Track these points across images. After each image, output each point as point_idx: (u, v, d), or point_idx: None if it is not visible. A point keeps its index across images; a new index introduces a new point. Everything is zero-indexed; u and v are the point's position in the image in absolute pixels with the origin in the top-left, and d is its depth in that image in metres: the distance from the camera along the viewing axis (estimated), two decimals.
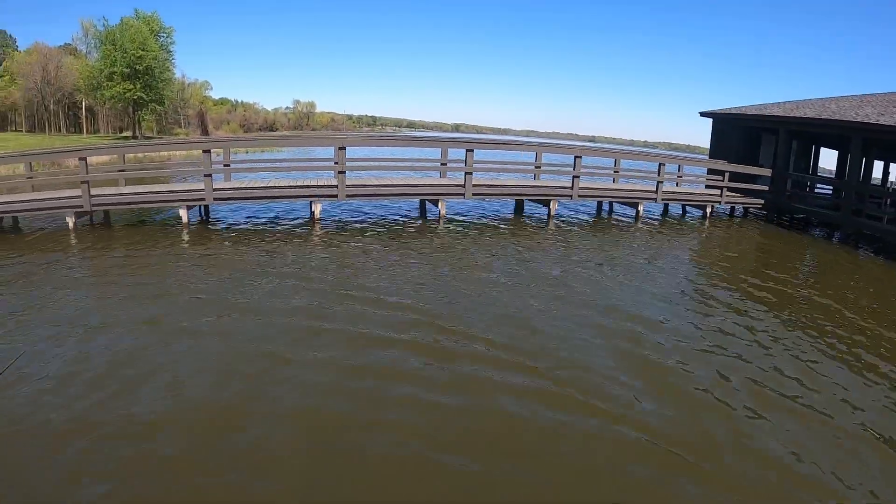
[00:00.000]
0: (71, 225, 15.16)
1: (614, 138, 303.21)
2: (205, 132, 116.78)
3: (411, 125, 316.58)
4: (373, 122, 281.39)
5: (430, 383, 6.11)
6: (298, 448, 4.93)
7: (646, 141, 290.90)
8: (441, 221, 15.04)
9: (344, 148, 14.65)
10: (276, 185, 16.08)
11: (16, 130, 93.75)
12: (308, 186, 15.64)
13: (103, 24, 76.84)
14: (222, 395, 5.85)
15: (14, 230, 15.62)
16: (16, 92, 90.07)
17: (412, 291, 9.13)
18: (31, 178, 19.15)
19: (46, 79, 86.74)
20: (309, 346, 7.00)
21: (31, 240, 14.23)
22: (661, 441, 5.16)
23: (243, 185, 16.58)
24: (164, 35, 79.77)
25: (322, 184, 15.86)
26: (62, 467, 4.62)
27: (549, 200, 16.20)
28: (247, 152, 38.24)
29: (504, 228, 14.80)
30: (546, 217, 16.19)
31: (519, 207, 17.16)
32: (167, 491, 4.39)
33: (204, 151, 15.35)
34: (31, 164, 18.97)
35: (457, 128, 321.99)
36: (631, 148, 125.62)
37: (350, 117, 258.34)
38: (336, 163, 14.77)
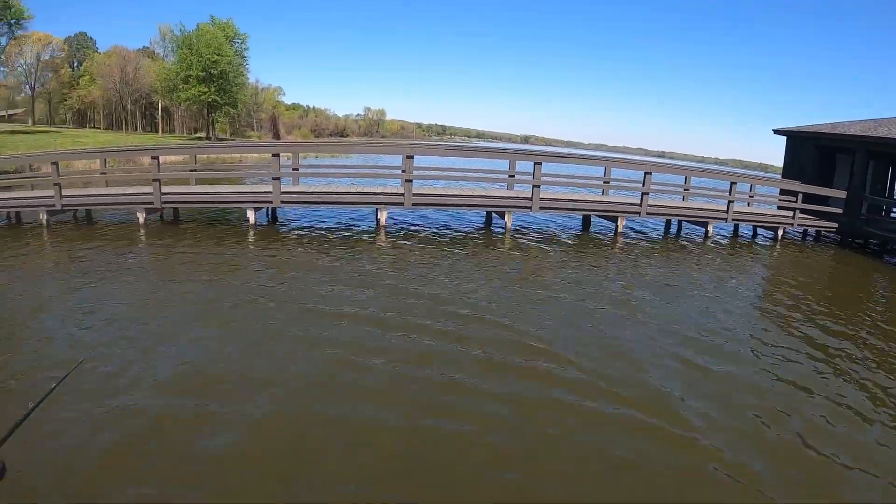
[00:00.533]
0: (141, 220, 15.98)
1: (685, 154, 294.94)
2: (276, 136, 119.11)
3: (480, 135, 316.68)
4: (442, 131, 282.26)
5: (495, 398, 5.96)
6: (389, 460, 4.90)
7: (717, 158, 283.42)
8: (507, 234, 14.82)
9: (412, 156, 14.68)
10: (344, 190, 16.18)
11: (94, 128, 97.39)
12: (375, 193, 15.68)
13: (180, 30, 79.63)
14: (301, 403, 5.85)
15: (87, 222, 16.91)
16: (95, 91, 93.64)
17: (479, 304, 8.95)
18: (105, 173, 19.86)
19: (124, 80, 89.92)
20: (374, 353, 6.95)
21: (104, 232, 15.22)
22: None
23: (311, 190, 16.73)
24: (239, 41, 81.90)
25: (389, 191, 15.86)
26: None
27: (617, 217, 15.79)
28: (316, 157, 38.68)
29: (570, 244, 14.40)
30: (613, 234, 15.74)
31: (586, 223, 16.71)
32: None
33: (273, 155, 15.63)
34: (105, 160, 19.66)
35: (526, 139, 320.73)
36: (701, 165, 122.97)
37: (419, 126, 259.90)
38: (403, 171, 14.82)
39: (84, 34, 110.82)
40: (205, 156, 24.00)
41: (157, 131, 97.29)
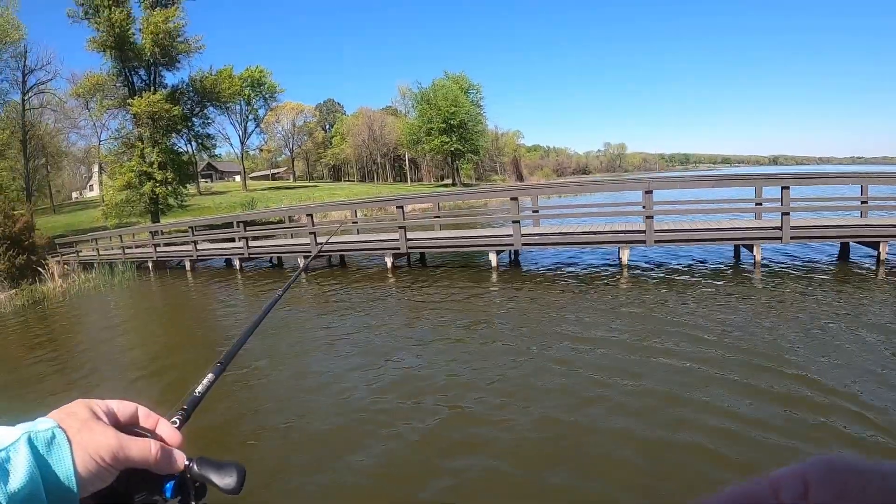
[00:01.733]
0: (389, 264, 17.58)
1: None
2: (519, 178, 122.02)
3: (726, 160, 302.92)
4: (685, 159, 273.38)
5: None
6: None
7: None
8: (757, 268, 13.69)
9: (651, 191, 14.35)
10: (584, 230, 16.17)
11: (349, 181, 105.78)
12: (615, 232, 15.50)
13: (417, 87, 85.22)
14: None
15: (340, 266, 19.30)
16: (346, 149, 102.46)
17: (737, 354, 8.04)
18: (356, 222, 21.80)
19: (372, 136, 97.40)
20: (627, 397, 6.79)
21: (358, 276, 17.39)
22: None
23: (551, 231, 16.95)
24: (474, 91, 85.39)
25: (629, 229, 15.63)
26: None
27: (879, 242, 14.10)
28: (560, 196, 38.72)
29: (826, 276, 12.54)
30: (875, 261, 13.56)
31: (844, 251, 14.72)
32: None
33: (511, 199, 16.12)
34: (356, 210, 21.53)
35: (775, 160, 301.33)
36: None
37: (662, 156, 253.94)
38: (644, 207, 14.61)
39: (332, 100, 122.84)
40: (447, 203, 24.96)
41: (405, 181, 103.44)
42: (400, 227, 17.48)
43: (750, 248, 14.29)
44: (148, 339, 13.16)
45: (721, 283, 12.64)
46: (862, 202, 14.71)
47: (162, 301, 18.77)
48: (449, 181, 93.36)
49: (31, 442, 0.66)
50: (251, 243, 22.32)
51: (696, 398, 6.53)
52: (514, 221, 16.00)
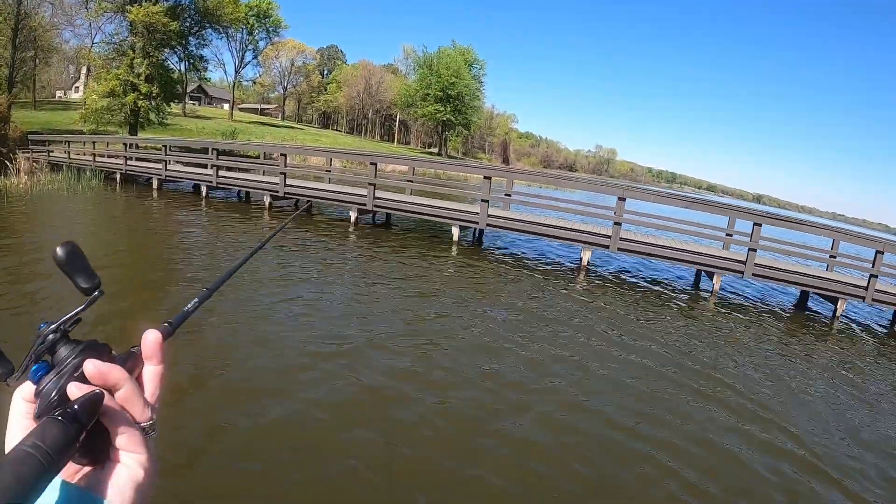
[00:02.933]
0: (353, 218, 17.53)
1: None
2: (506, 161, 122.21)
3: (711, 188, 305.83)
4: (672, 178, 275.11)
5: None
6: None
7: None
8: (713, 297, 13.55)
9: (624, 199, 14.14)
10: (551, 223, 15.96)
11: (336, 130, 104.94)
12: (581, 231, 15.27)
13: (422, 51, 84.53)
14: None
15: (307, 212, 19.13)
16: (340, 97, 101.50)
17: (680, 373, 7.97)
18: (329, 171, 21.61)
19: (368, 90, 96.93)
20: (539, 398, 6.58)
21: (315, 222, 17.50)
22: None
23: (519, 217, 16.68)
24: (478, 66, 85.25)
25: (595, 231, 15.41)
26: None
27: (837, 299, 14.06)
28: (540, 187, 38.63)
29: (780, 323, 12.27)
30: (831, 317, 13.46)
31: (802, 299, 14.64)
32: None
33: (485, 178, 15.84)
34: (331, 159, 21.25)
35: (758, 198, 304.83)
36: None
37: (650, 170, 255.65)
38: (615, 213, 14.37)
39: (335, 46, 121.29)
40: (423, 169, 24.82)
41: (392, 141, 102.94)
42: (370, 184, 17.31)
43: (711, 275, 14.21)
44: (101, 249, 12.60)
45: (674, 302, 12.50)
46: (831, 256, 14.49)
47: (122, 214, 18.46)
48: (435, 150, 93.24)
49: None
50: (221, 173, 22.00)
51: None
52: (483, 200, 15.81)
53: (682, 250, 14.35)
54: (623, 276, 14.61)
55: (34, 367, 0.65)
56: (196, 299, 0.85)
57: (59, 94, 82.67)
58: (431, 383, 6.59)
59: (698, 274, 15.35)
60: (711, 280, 14.15)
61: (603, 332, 9.53)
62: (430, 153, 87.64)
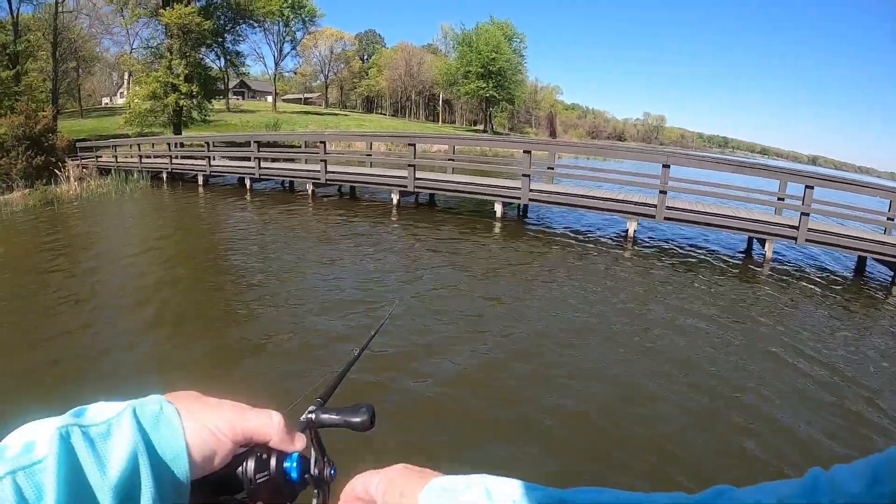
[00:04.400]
0: (395, 200, 17.69)
1: None
2: (552, 134, 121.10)
3: (764, 151, 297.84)
4: (724, 142, 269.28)
5: None
6: None
7: None
8: (766, 265, 12.75)
9: (668, 166, 13.62)
10: (595, 195, 15.60)
11: (380, 114, 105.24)
12: (625, 202, 14.84)
13: (461, 28, 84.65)
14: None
15: (351, 196, 19.89)
16: (382, 81, 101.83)
17: (724, 353, 7.43)
18: (370, 155, 21.74)
19: (409, 72, 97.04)
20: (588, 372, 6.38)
21: (364, 207, 17.98)
22: None
23: (561, 190, 16.39)
24: (517, 40, 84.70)
25: (640, 201, 14.92)
26: None
27: None
28: (588, 158, 37.90)
29: (839, 290, 11.43)
30: (889, 284, 12.30)
31: (860, 265, 13.39)
32: None
33: (525, 152, 15.54)
34: (371, 143, 21.40)
35: (813, 160, 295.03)
36: None
37: (700, 136, 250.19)
38: (660, 181, 13.87)
39: (373, 31, 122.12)
40: (462, 147, 24.64)
41: (437, 121, 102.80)
42: (409, 166, 17.27)
43: (762, 242, 13.51)
44: (151, 249, 13.29)
45: (726, 271, 12.03)
46: (888, 218, 13.44)
47: (170, 211, 19.33)
48: (481, 127, 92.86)
49: (135, 414, 0.58)
50: (263, 164, 22.27)
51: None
52: (523, 175, 15.55)
53: (732, 217, 13.67)
54: (672, 247, 14.09)
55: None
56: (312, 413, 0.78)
57: (104, 100, 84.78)
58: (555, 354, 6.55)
59: (750, 241, 14.57)
60: (763, 247, 13.43)
61: (658, 303, 9.31)
62: (476, 131, 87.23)
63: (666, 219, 13.92)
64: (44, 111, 29.85)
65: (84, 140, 32.97)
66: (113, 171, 26.44)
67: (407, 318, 7.71)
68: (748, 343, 7.68)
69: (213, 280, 10.31)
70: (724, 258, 13.27)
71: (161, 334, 7.37)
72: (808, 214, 12.54)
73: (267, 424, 0.66)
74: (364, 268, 10.91)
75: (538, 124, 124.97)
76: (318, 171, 19.56)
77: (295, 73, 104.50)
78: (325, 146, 19.54)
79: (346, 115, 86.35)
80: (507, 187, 16.51)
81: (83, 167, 27.85)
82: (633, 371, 6.54)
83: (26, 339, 7.06)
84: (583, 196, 15.42)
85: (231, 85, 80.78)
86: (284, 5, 72.50)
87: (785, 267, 12.80)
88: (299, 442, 0.69)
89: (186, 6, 39.83)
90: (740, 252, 14.13)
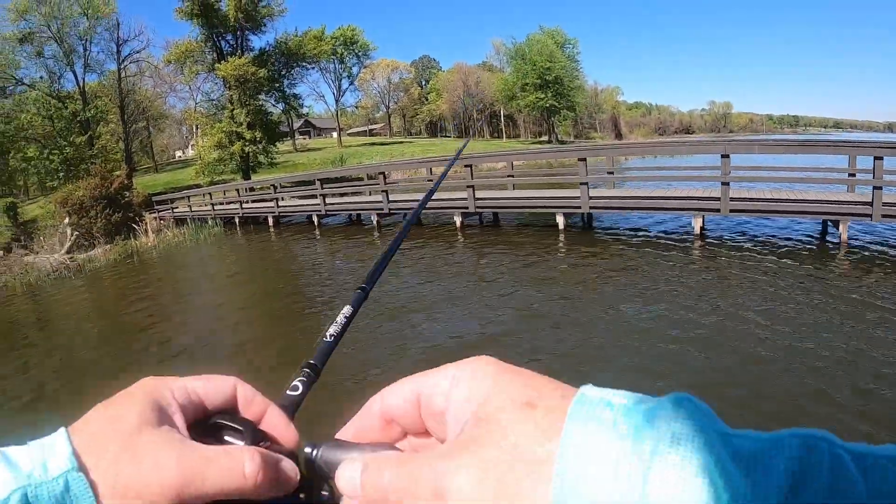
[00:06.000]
0: (459, 223, 17.81)
1: None
2: (618, 136, 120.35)
3: (837, 125, 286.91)
4: (795, 122, 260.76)
5: None
6: None
7: None
8: (842, 249, 11.68)
9: (727, 155, 12.91)
10: (655, 195, 15.25)
11: (445, 136, 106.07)
12: (687, 198, 14.36)
13: (511, 42, 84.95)
14: None
15: (417, 224, 19.19)
16: (442, 104, 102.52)
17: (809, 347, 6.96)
18: (431, 180, 21.85)
19: (467, 92, 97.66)
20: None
21: (430, 231, 18.08)
22: None
23: (620, 194, 16.28)
24: (570, 46, 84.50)
25: (702, 195, 14.40)
26: None
27: None
28: (655, 157, 36.99)
29: None
30: None
31: None
32: None
33: (579, 160, 15.22)
34: (430, 168, 21.67)
35: (890, 127, 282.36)
36: None
37: (770, 118, 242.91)
38: (721, 173, 13.22)
39: (427, 56, 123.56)
40: (521, 161, 24.79)
41: (501, 137, 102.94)
42: (468, 187, 17.31)
43: (836, 224, 12.39)
44: (227, 291, 14.72)
45: (800, 261, 11.19)
46: None
47: (244, 253, 20.86)
48: (545, 138, 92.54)
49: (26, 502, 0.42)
50: (329, 200, 23.03)
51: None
52: (581, 183, 15.20)
53: (799, 201, 12.89)
54: (742, 240, 13.31)
55: None
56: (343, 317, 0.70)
57: (178, 153, 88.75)
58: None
59: (824, 224, 13.40)
60: (837, 230, 12.29)
61: (734, 302, 8.91)
62: (541, 142, 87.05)
63: (732, 211, 13.25)
64: (118, 171, 33.00)
65: (160, 193, 35.31)
66: (188, 221, 27.95)
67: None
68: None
69: (281, 307, 11.45)
70: (797, 246, 12.40)
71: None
72: (880, 188, 11.44)
73: (236, 481, 0.45)
74: (430, 290, 11.34)
75: (602, 128, 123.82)
76: (381, 202, 20.04)
77: (357, 108, 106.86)
78: (384, 177, 19.99)
79: (410, 142, 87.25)
80: (567, 197, 16.25)
81: (160, 219, 29.65)
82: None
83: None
84: (642, 198, 15.15)
85: (296, 126, 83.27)
86: (336, 44, 74.28)
87: (862, 249, 11.74)
88: (288, 482, 0.49)
89: (240, 58, 41.87)
90: (814, 237, 13.10)
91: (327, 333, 0.66)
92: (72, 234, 25.44)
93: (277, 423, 0.54)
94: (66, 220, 26.81)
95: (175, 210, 31.00)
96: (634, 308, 8.99)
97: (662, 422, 0.34)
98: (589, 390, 0.38)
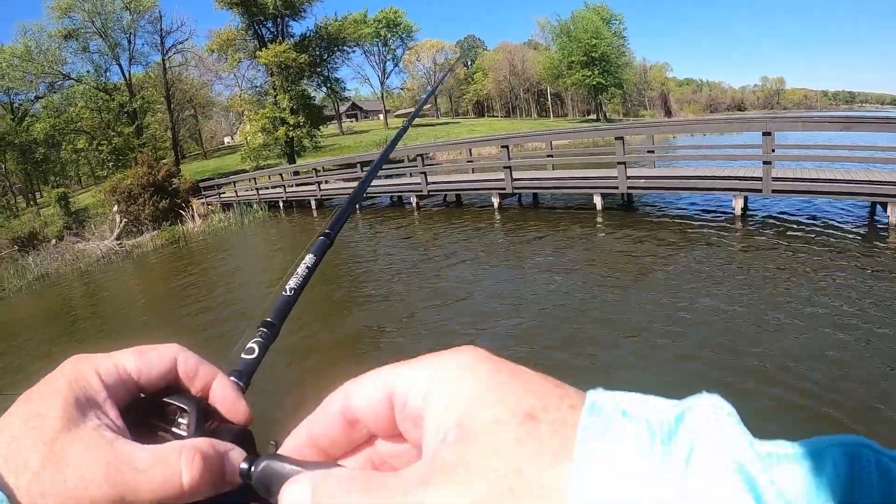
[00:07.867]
0: (496, 204, 17.80)
1: None
2: (668, 113, 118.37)
3: (895, 101, 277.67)
4: (850, 98, 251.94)
5: None
6: None
7: None
8: (891, 231, 11.02)
9: (770, 133, 12.28)
10: (695, 174, 14.78)
11: (492, 116, 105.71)
12: (728, 178, 13.86)
13: (556, 19, 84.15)
14: None
15: (457, 205, 20.30)
16: (488, 84, 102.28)
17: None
18: (471, 161, 22.55)
19: (513, 71, 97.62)
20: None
21: (469, 213, 18.42)
22: None
23: (659, 174, 15.87)
24: (616, 22, 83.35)
25: (743, 175, 13.81)
26: None
27: None
28: (704, 135, 36.18)
29: None
30: None
31: None
32: None
33: (616, 138, 14.97)
34: (470, 149, 21.73)
35: None
36: None
37: (825, 94, 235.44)
38: (762, 151, 12.64)
39: (472, 36, 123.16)
40: (561, 141, 24.55)
41: (549, 116, 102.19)
42: (505, 167, 17.30)
43: (885, 206, 11.64)
44: (272, 270, 15.53)
45: (848, 246, 10.55)
46: None
47: (287, 235, 21.92)
48: (594, 117, 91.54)
49: None
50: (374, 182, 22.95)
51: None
52: (619, 163, 14.93)
53: (846, 181, 12.19)
54: (786, 221, 12.65)
55: None
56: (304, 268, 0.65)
57: (226, 139, 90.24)
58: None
59: (873, 206, 12.56)
60: (886, 211, 11.52)
61: (777, 289, 8.44)
62: (589, 121, 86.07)
63: (774, 191, 12.70)
64: (165, 159, 35.16)
65: (207, 179, 36.44)
66: (234, 205, 28.82)
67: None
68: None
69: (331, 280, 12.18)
70: (845, 229, 11.66)
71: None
72: None
73: (169, 485, 0.40)
74: (462, 275, 11.54)
75: (652, 105, 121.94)
76: (420, 184, 20.14)
77: (402, 89, 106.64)
78: (422, 159, 20.25)
79: (457, 122, 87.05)
80: (604, 178, 15.98)
81: (208, 204, 30.86)
82: None
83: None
84: (681, 178, 14.75)
85: (343, 109, 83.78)
86: (379, 27, 74.47)
87: None
88: (232, 476, 0.42)
89: (280, 45, 42.38)
90: (862, 220, 12.32)
91: (287, 287, 0.60)
92: (121, 221, 26.53)
93: (226, 397, 0.48)
94: (116, 208, 28.10)
95: (222, 195, 31.90)
96: (670, 297, 8.61)
97: (689, 435, 0.29)
98: (600, 397, 0.32)
